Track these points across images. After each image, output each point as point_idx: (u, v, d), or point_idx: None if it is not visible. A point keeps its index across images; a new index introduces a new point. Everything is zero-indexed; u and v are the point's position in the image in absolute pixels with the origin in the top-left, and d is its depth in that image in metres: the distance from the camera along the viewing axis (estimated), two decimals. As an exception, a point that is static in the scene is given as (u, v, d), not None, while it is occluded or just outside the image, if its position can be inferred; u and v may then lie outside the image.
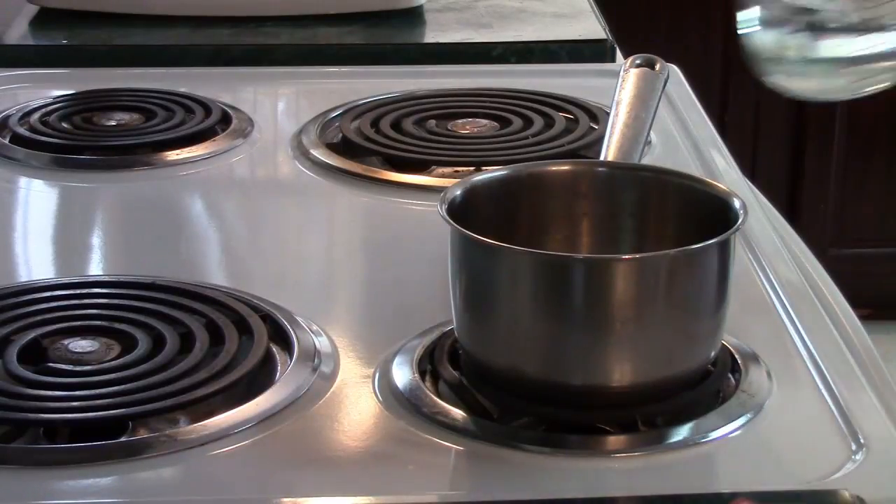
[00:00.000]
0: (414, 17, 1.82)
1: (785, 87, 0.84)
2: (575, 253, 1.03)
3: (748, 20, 0.78)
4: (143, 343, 1.01)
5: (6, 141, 1.44)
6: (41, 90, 1.59)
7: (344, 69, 1.67)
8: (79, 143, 1.43)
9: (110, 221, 1.34)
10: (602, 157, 1.09)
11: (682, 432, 0.92)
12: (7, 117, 1.48)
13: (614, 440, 0.92)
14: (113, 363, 0.99)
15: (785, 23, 0.81)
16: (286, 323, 1.05)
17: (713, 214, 0.97)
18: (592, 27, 1.76)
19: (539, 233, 1.03)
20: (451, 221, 0.95)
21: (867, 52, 0.91)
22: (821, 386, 0.98)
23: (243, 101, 1.57)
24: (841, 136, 3.06)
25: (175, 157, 1.41)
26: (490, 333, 0.96)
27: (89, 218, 1.33)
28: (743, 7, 0.77)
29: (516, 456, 0.91)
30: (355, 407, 0.97)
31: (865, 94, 0.86)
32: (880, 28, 0.85)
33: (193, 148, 1.42)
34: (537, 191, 1.04)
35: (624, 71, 1.19)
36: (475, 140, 1.42)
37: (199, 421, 0.94)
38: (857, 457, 0.89)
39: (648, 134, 1.14)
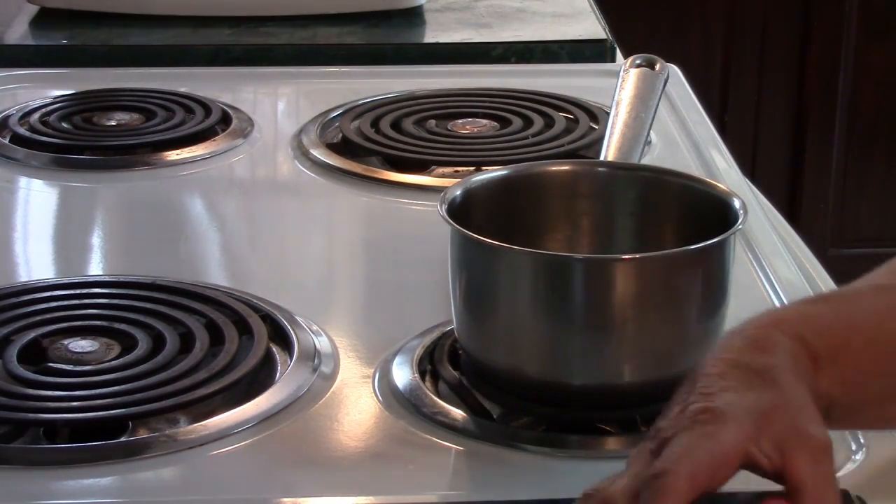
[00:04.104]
0: (414, 17, 1.82)
1: None
2: (575, 253, 1.03)
3: None
4: (143, 343, 1.01)
5: (6, 141, 1.44)
6: (41, 90, 1.59)
7: (344, 69, 1.67)
8: (79, 143, 1.43)
9: (110, 221, 1.34)
10: (602, 157, 1.09)
11: (682, 432, 0.92)
12: (7, 117, 1.48)
13: (614, 440, 0.92)
14: (113, 363, 0.99)
15: None
16: (286, 323, 1.05)
17: (713, 214, 0.97)
18: (592, 27, 1.76)
19: (539, 233, 1.03)
20: (451, 221, 0.95)
21: None
22: (821, 386, 0.98)
23: (243, 101, 1.57)
24: (841, 136, 3.06)
25: (175, 157, 1.41)
26: (490, 333, 0.96)
27: (89, 218, 1.33)
28: None
29: (516, 456, 0.91)
30: (355, 407, 0.97)
31: None
32: None
33: (193, 148, 1.42)
34: (537, 191, 1.04)
35: (624, 71, 1.19)
36: (475, 140, 1.42)
37: (199, 421, 0.94)
38: (857, 457, 0.89)
39: (648, 134, 1.14)
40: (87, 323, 1.04)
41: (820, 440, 0.74)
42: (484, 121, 1.47)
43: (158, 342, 1.02)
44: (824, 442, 0.74)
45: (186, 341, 1.02)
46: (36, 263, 1.25)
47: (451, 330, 1.00)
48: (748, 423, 0.73)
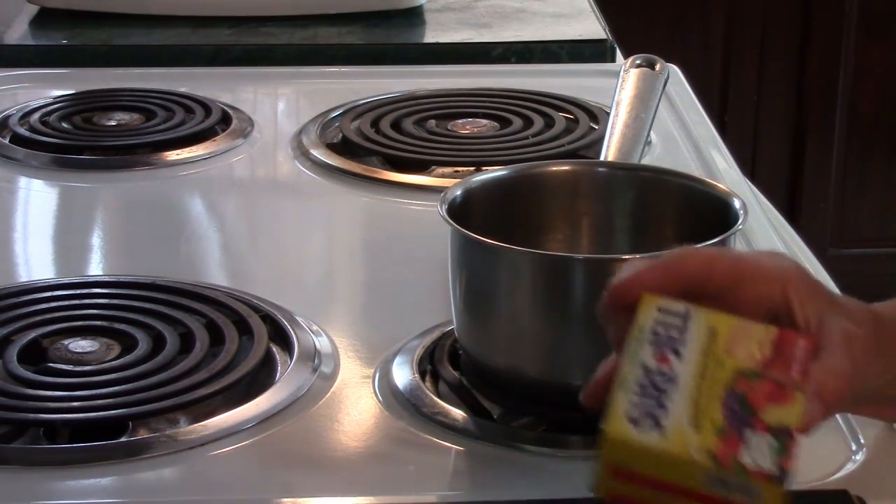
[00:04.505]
0: (414, 17, 1.82)
1: None
2: (575, 253, 1.03)
3: None
4: (143, 343, 1.01)
5: (6, 141, 1.44)
6: (41, 90, 1.59)
7: (344, 69, 1.67)
8: (79, 143, 1.43)
9: (110, 221, 1.34)
10: (602, 157, 1.09)
11: (682, 432, 0.92)
12: (7, 117, 1.48)
13: (614, 440, 0.92)
14: (113, 363, 0.99)
15: None
16: (286, 323, 1.05)
17: (713, 214, 0.97)
18: (592, 27, 1.76)
19: (539, 233, 1.03)
20: (451, 221, 0.94)
21: None
22: (821, 386, 0.98)
23: (243, 101, 1.57)
24: (841, 136, 3.06)
25: (175, 157, 1.41)
26: (490, 333, 0.96)
27: (89, 218, 1.33)
28: None
29: (516, 456, 0.91)
30: (355, 407, 0.97)
31: None
32: None
33: (193, 148, 1.42)
34: (537, 191, 1.04)
35: (624, 71, 1.19)
36: (475, 140, 1.42)
37: (199, 421, 0.94)
38: (857, 457, 0.89)
39: (648, 134, 1.14)
40: (87, 323, 1.04)
41: (859, 336, 0.76)
42: (484, 121, 1.47)
43: (158, 342, 1.02)
44: (863, 338, 0.77)
45: (186, 341, 1.02)
46: (36, 263, 1.25)
47: (451, 330, 1.00)
48: (801, 283, 0.77)
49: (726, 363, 0.75)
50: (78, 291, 1.11)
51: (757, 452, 0.72)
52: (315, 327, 1.06)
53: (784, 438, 0.73)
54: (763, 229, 1.22)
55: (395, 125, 1.45)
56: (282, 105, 1.65)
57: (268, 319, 1.05)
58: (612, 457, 0.73)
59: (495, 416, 0.94)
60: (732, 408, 0.74)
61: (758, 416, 0.74)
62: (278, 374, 1.00)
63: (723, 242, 0.93)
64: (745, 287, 0.77)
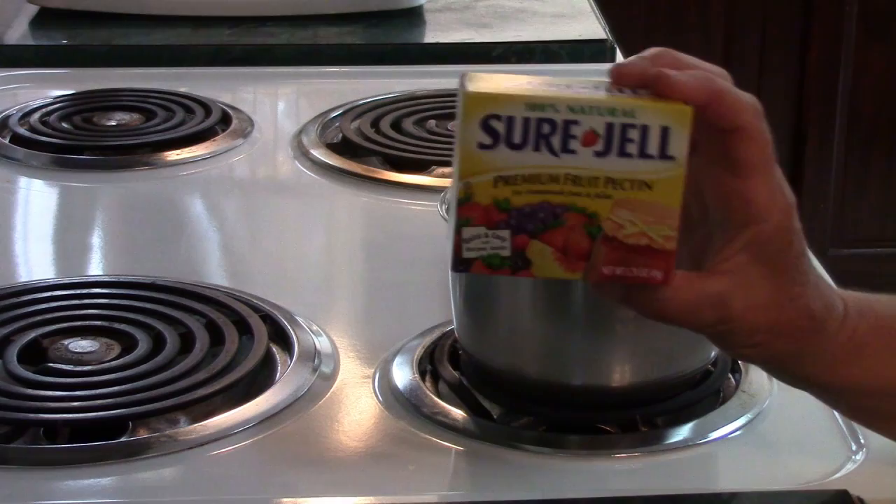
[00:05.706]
0: (414, 17, 1.82)
1: None
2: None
3: None
4: (143, 343, 1.01)
5: (6, 141, 1.44)
6: (41, 90, 1.59)
7: (344, 69, 1.67)
8: (79, 143, 1.43)
9: (110, 221, 1.34)
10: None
11: (682, 432, 0.92)
12: (7, 117, 1.48)
13: (614, 440, 0.92)
14: (113, 363, 0.99)
15: None
16: (286, 323, 1.05)
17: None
18: (592, 27, 1.76)
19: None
20: (451, 221, 0.94)
21: None
22: (821, 386, 0.98)
23: (243, 101, 1.57)
24: (841, 136, 3.06)
25: (175, 157, 1.41)
26: (490, 333, 0.96)
27: (89, 218, 1.33)
28: None
29: (516, 456, 0.91)
30: (355, 407, 0.97)
31: None
32: None
33: (193, 148, 1.42)
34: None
35: (624, 71, 1.19)
36: (475, 140, 1.42)
37: (199, 421, 0.94)
38: (857, 457, 0.89)
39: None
40: (87, 323, 1.04)
41: (737, 298, 0.75)
42: (484, 121, 1.46)
43: (158, 342, 1.02)
44: (742, 302, 0.75)
45: (186, 341, 1.02)
46: (36, 263, 1.25)
47: (451, 330, 1.00)
48: (779, 232, 0.75)
49: (600, 204, 0.71)
50: (78, 291, 1.11)
51: (486, 242, 0.70)
52: (315, 327, 1.06)
53: (511, 264, 0.71)
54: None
55: (395, 125, 1.45)
56: (282, 105, 1.65)
57: (268, 319, 1.05)
58: (470, 92, 0.74)
59: (495, 416, 0.94)
60: (537, 213, 0.70)
61: (531, 238, 0.70)
62: (278, 374, 1.00)
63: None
64: (755, 178, 0.74)
